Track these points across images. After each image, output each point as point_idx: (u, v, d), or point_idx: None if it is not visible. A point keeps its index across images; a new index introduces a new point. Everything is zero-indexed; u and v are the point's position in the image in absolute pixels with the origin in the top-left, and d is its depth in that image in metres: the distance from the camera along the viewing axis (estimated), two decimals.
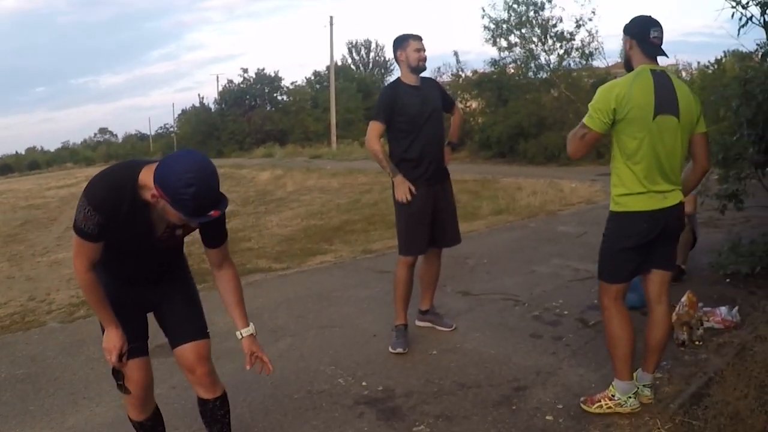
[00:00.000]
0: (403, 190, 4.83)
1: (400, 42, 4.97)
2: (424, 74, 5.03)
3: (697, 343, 4.49)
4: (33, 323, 6.65)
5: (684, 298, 4.64)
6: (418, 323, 5.40)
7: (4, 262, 11.34)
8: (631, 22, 3.64)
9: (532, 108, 21.06)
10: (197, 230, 2.96)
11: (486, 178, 16.05)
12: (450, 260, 7.54)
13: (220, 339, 5.56)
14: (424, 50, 4.93)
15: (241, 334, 3.10)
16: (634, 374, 3.70)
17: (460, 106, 26.18)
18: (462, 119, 5.45)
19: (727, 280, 5.84)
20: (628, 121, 3.41)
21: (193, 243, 3.39)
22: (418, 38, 4.95)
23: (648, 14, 3.61)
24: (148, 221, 2.79)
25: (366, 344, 5.17)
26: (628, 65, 3.64)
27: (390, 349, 4.92)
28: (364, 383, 4.42)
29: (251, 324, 3.14)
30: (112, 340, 2.91)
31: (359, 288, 6.89)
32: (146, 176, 2.63)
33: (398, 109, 4.87)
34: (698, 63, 19.49)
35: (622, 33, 3.67)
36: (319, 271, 8.04)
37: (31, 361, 5.52)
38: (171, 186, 2.48)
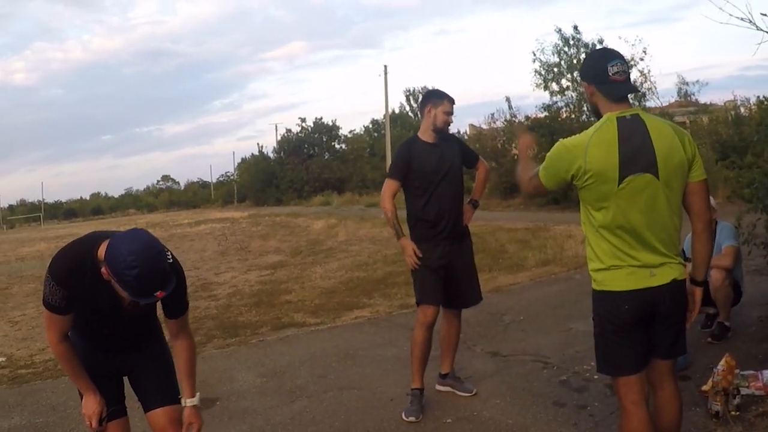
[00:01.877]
0: (409, 252, 4.75)
1: (435, 98, 4.86)
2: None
3: (733, 413, 4.05)
4: (64, 372, 6.57)
5: (721, 363, 4.25)
6: (438, 387, 5.14)
7: None
8: (584, 63, 3.18)
9: None
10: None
11: (537, 226, 15.69)
12: (486, 317, 7.32)
13: (237, 397, 5.51)
14: (452, 115, 4.84)
15: (185, 402, 3.13)
16: None
17: (514, 152, 26.10)
18: (487, 174, 5.27)
19: None
20: (587, 188, 2.91)
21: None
22: (452, 101, 4.84)
23: (604, 47, 3.11)
24: (112, 292, 2.77)
25: (380, 409, 4.93)
26: (596, 114, 3.09)
27: (403, 416, 4.68)
28: None
29: (197, 395, 3.16)
30: (91, 406, 2.99)
31: (387, 347, 6.66)
32: (102, 251, 2.68)
33: (413, 167, 4.78)
34: (757, 97, 18.78)
35: (583, 81, 3.16)
36: (351, 327, 7.85)
37: (52, 410, 5.61)
38: (116, 266, 2.55)
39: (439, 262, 4.77)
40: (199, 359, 6.65)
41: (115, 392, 3.16)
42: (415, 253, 4.72)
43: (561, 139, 3.02)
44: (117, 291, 2.71)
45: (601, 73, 2.96)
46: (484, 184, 5.28)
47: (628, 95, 3.04)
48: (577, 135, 2.99)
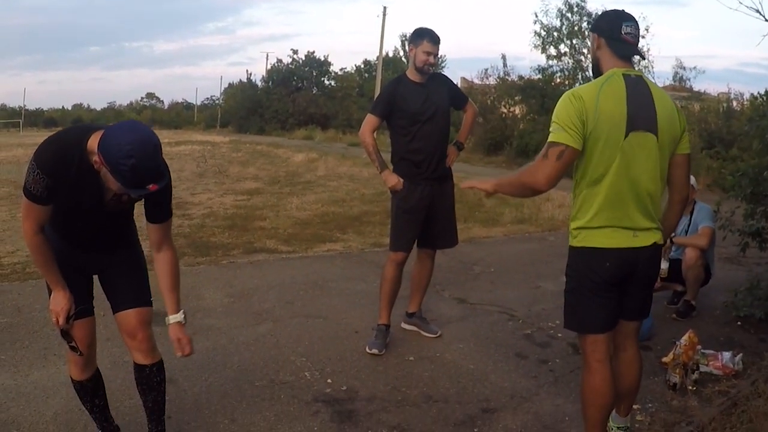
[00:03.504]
0: (392, 182, 4.74)
1: (415, 38, 4.78)
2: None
3: (690, 387, 4.13)
4: (32, 275, 6.56)
5: (684, 338, 4.31)
6: (404, 326, 5.19)
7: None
8: (599, 17, 3.11)
9: None
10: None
11: None
12: (457, 265, 7.35)
13: (203, 315, 5.51)
14: (435, 55, 4.73)
15: (168, 319, 3.05)
16: (610, 416, 3.28)
17: (502, 110, 26.05)
18: (475, 118, 5.20)
19: (739, 323, 5.47)
20: (594, 139, 2.83)
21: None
22: (434, 40, 4.72)
23: (621, 8, 3.01)
24: (96, 186, 2.77)
25: (344, 340, 4.97)
26: (596, 70, 3.06)
27: (366, 349, 4.71)
28: (329, 380, 4.24)
29: (181, 311, 3.07)
30: (60, 302, 2.92)
31: (356, 281, 6.68)
32: (94, 142, 2.63)
33: (399, 105, 4.73)
34: (751, 94, 18.91)
35: (592, 33, 3.10)
36: (322, 258, 7.86)
37: (17, 311, 5.56)
38: (112, 155, 2.50)
39: (419, 203, 4.77)
40: None
41: (84, 290, 3.07)
42: (397, 186, 4.74)
43: (565, 92, 2.96)
44: (105, 183, 2.69)
45: (615, 29, 2.95)
46: (471, 127, 5.22)
47: (633, 59, 3.02)
48: (584, 85, 2.95)
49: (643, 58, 3.46)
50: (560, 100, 2.90)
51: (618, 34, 2.94)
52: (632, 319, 3.17)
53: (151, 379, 3.14)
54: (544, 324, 5.41)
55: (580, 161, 2.92)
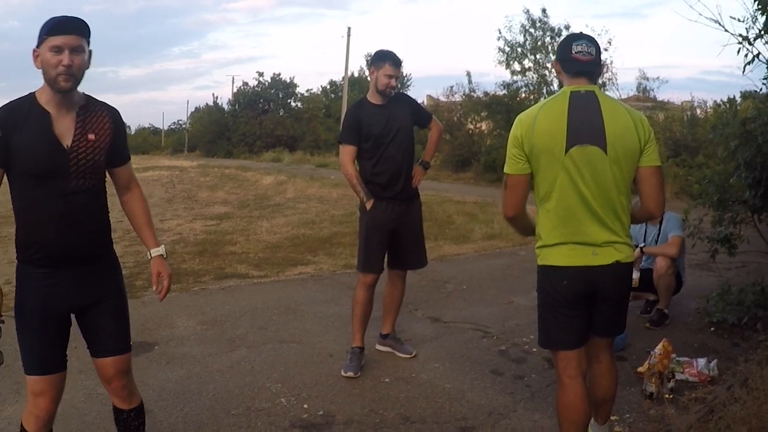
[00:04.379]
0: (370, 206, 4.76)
1: (377, 60, 4.79)
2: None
3: (667, 396, 4.14)
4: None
5: (658, 347, 4.36)
6: (378, 347, 5.17)
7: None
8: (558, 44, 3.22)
9: None
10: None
11: (486, 201, 15.75)
12: (428, 283, 7.35)
13: (176, 343, 5.45)
14: (397, 78, 4.74)
15: (150, 254, 3.10)
16: (589, 425, 3.30)
17: (469, 126, 26.17)
18: (440, 135, 5.21)
19: (712, 328, 5.54)
20: (535, 156, 2.92)
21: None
22: (396, 63, 4.73)
23: (577, 32, 3.12)
24: (51, 129, 2.72)
25: (319, 364, 4.94)
26: None
27: (341, 372, 4.69)
28: (305, 405, 4.21)
29: (162, 245, 3.14)
30: None
31: (329, 304, 6.65)
32: (40, 90, 2.75)
33: (362, 130, 4.74)
34: (714, 101, 19.28)
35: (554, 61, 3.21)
36: (294, 282, 7.82)
37: None
38: (41, 30, 2.67)
39: (387, 222, 4.77)
40: (139, 303, 6.65)
41: (60, 341, 2.91)
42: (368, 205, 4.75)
43: (519, 115, 3.08)
44: (53, 128, 2.72)
45: (566, 50, 3.03)
46: (437, 145, 5.23)
47: (590, 75, 3.05)
48: (529, 108, 3.07)
49: (596, 73, 3.48)
50: (513, 126, 3.03)
51: (568, 55, 3.01)
52: (604, 336, 3.19)
53: (129, 423, 3.09)
54: (518, 339, 5.42)
55: (533, 181, 2.99)
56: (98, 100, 2.89)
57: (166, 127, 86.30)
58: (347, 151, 4.81)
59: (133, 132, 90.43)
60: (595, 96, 2.95)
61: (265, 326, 5.92)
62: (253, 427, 3.92)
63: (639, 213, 3.17)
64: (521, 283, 7.38)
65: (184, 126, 74.38)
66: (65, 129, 2.74)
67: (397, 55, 4.77)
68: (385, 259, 4.96)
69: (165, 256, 3.11)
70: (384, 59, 4.73)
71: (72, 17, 2.71)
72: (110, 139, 2.88)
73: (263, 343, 5.44)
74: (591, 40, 3.04)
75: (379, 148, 4.73)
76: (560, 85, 3.18)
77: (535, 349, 5.12)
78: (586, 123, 2.89)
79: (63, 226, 2.77)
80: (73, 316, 2.94)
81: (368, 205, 4.76)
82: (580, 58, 2.99)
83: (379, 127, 4.71)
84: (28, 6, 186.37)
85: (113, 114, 2.93)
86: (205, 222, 13.12)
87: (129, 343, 3.04)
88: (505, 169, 3.02)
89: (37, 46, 2.69)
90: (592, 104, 2.93)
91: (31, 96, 2.75)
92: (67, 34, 2.67)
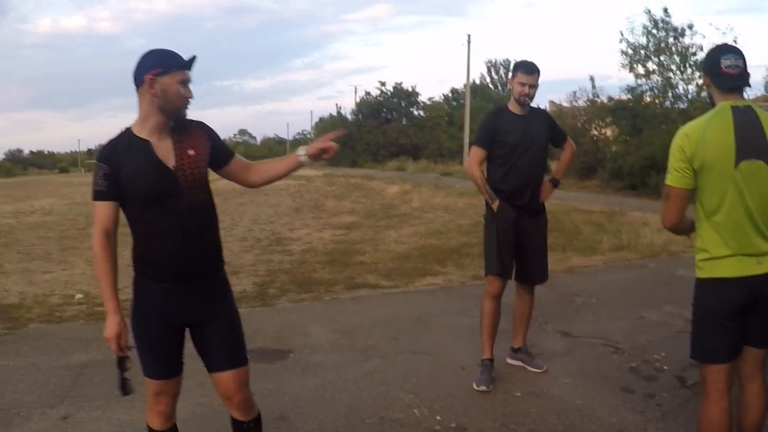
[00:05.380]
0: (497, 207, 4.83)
1: (514, 69, 4.90)
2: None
3: None
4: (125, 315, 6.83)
5: None
6: (509, 361, 5.23)
7: (129, 249, 11.78)
8: (705, 55, 3.23)
9: (666, 140, 19.59)
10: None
11: (613, 211, 15.50)
12: (558, 296, 7.35)
13: (310, 351, 5.67)
14: (531, 86, 4.76)
15: (300, 156, 3.23)
16: None
17: (593, 132, 25.71)
18: (573, 156, 5.24)
19: None
20: (705, 171, 2.97)
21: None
22: (529, 71, 4.78)
23: (724, 43, 3.14)
24: (154, 154, 2.87)
25: (451, 376, 5.05)
26: (712, 105, 3.18)
27: (474, 385, 4.78)
28: (438, 417, 4.32)
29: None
30: (112, 328, 2.88)
31: (460, 315, 6.74)
32: (136, 124, 2.91)
33: (498, 137, 4.80)
34: None
35: (701, 72, 3.27)
36: (424, 293, 7.98)
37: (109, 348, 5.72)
38: (151, 61, 2.82)
39: (510, 226, 4.82)
40: (273, 311, 7.01)
41: (176, 352, 3.07)
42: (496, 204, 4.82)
43: (681, 127, 3.11)
44: (156, 153, 2.86)
45: (714, 65, 3.06)
46: (568, 165, 5.27)
47: (741, 89, 3.09)
48: (694, 120, 3.09)
49: (749, 85, 3.47)
50: (674, 138, 3.07)
51: (718, 69, 3.05)
52: (761, 347, 3.17)
53: None
54: (649, 356, 5.37)
55: (698, 195, 3.04)
56: (184, 118, 3.00)
57: (291, 137, 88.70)
58: (477, 153, 4.90)
59: (258, 143, 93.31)
60: (753, 110, 3.01)
61: (397, 336, 6.07)
62: None
63: None
64: (651, 297, 7.29)
65: (308, 136, 76.22)
66: (166, 151, 2.89)
67: (532, 63, 4.82)
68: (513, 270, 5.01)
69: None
70: (517, 68, 4.82)
71: (195, 56, 2.91)
72: (209, 148, 3.03)
73: (395, 354, 5.59)
74: (738, 53, 3.08)
75: (512, 157, 4.78)
76: (711, 103, 3.21)
77: (666, 367, 5.08)
78: (751, 137, 2.95)
79: (181, 243, 2.91)
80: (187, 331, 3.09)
81: (494, 206, 4.81)
82: (730, 72, 3.03)
83: (516, 135, 4.76)
84: (153, 24, 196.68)
85: (201, 126, 3.06)
86: (334, 231, 13.49)
87: (246, 356, 3.13)
88: (668, 182, 3.06)
89: (156, 75, 2.80)
90: (754, 119, 2.98)
91: (127, 130, 2.90)
92: (190, 69, 2.90)
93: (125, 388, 2.94)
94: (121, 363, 2.93)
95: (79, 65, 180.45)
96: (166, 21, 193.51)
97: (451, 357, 5.47)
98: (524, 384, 4.86)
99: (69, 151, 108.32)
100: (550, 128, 4.98)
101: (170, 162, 2.88)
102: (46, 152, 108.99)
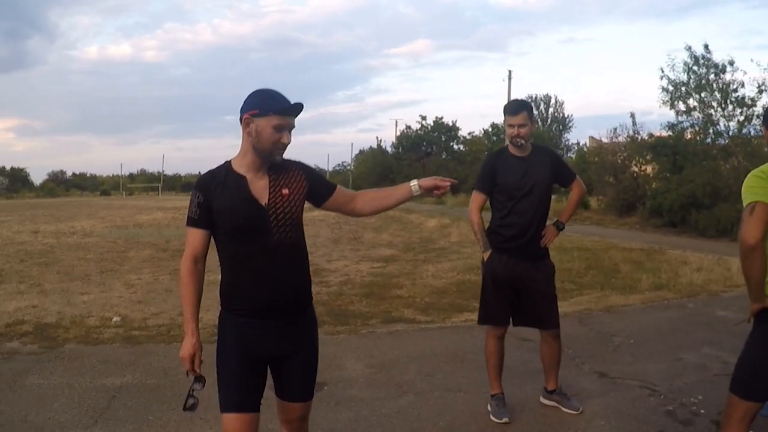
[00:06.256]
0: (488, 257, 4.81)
1: (504, 111, 4.83)
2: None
3: None
4: (177, 337, 7.00)
5: None
6: (543, 401, 5.21)
7: (167, 275, 11.99)
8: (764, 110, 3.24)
9: (707, 177, 19.79)
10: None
11: (652, 248, 15.36)
12: (596, 335, 7.34)
13: (345, 385, 5.69)
14: (520, 125, 4.68)
15: (413, 186, 3.25)
16: None
17: (633, 169, 25.54)
18: (581, 197, 5.18)
19: None
20: None
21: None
22: (513, 112, 4.71)
23: None
24: (248, 190, 2.96)
25: (486, 415, 5.01)
26: None
27: (494, 419, 4.82)
28: None
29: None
30: (187, 349, 2.99)
31: None
32: (236, 158, 3.03)
33: (497, 180, 4.77)
34: None
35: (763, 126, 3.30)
36: (461, 329, 7.96)
37: (163, 373, 5.92)
38: (253, 101, 2.92)
39: (509, 280, 4.78)
40: None
41: (255, 386, 3.07)
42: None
43: (751, 171, 3.15)
44: (250, 189, 2.95)
45: None
46: (576, 207, 5.21)
47: None
48: (765, 164, 3.13)
49: None
50: (745, 180, 3.10)
51: None
52: None
53: None
54: (686, 399, 5.31)
55: None
56: (284, 158, 3.05)
57: (331, 168, 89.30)
58: (476, 198, 4.88)
59: None
60: None
61: (433, 373, 6.07)
62: None
63: None
64: (690, 339, 7.22)
65: (348, 167, 76.83)
66: (261, 189, 2.97)
67: (517, 101, 4.80)
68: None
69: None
70: (504, 110, 4.78)
71: (299, 104, 2.96)
72: (306, 187, 3.08)
73: (431, 390, 5.58)
74: None
75: (511, 200, 4.72)
76: (747, 132, 3.31)
77: (703, 411, 5.02)
78: None
79: (268, 280, 2.97)
80: None
81: (485, 256, 4.79)
82: None
83: (515, 178, 4.70)
84: (197, 54, 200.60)
85: (300, 165, 3.14)
86: (372, 264, 13.54)
87: (313, 392, 3.23)
88: (752, 198, 3.02)
89: (253, 115, 2.90)
90: None
91: (227, 164, 3.02)
92: (292, 116, 2.97)
93: (188, 402, 3.04)
94: (195, 379, 3.03)
95: (124, 91, 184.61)
96: (211, 51, 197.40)
97: (486, 396, 5.38)
98: (559, 425, 4.83)
99: (111, 174, 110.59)
100: (554, 167, 4.90)
101: (263, 200, 2.97)
102: (88, 174, 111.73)
